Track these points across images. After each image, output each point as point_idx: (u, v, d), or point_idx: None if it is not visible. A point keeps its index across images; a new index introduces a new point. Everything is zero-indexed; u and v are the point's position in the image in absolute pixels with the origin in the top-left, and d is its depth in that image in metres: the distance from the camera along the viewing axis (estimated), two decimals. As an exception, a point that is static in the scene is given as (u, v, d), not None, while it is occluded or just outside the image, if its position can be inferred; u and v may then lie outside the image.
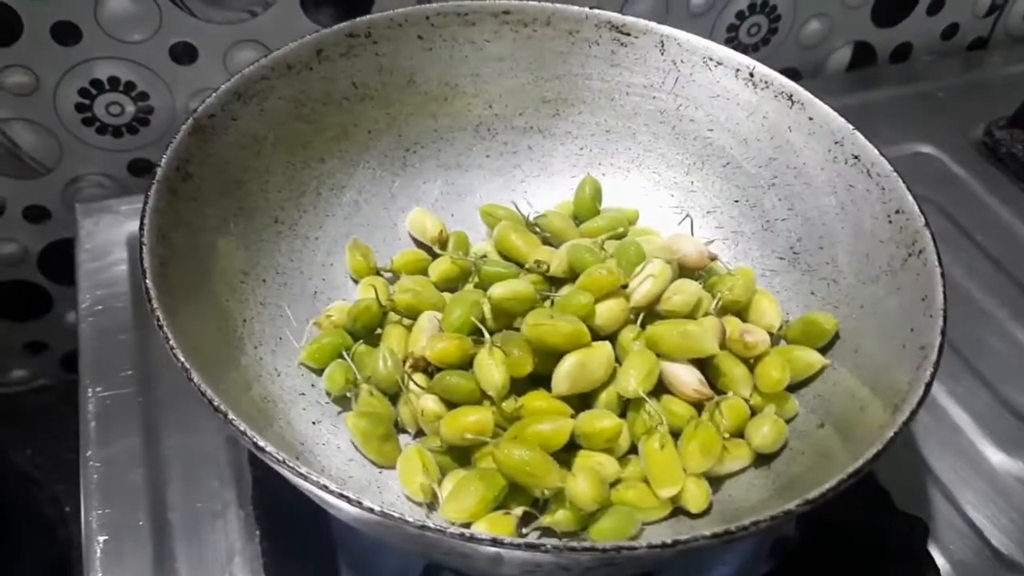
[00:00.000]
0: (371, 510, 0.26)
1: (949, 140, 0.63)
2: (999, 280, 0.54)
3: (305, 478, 0.26)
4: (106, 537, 0.39)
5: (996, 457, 0.45)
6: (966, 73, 0.71)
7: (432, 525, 0.26)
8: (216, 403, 0.28)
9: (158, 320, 0.30)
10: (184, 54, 0.54)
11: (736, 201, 0.45)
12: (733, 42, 0.64)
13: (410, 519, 0.26)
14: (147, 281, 0.31)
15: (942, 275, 0.35)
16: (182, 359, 0.29)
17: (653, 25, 0.45)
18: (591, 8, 0.46)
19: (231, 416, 0.28)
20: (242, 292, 0.39)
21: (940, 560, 0.41)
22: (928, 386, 0.31)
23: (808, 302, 0.41)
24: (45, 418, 0.68)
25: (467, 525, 0.34)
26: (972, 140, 0.63)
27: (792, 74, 0.68)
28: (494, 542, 0.25)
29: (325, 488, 0.26)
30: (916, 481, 0.44)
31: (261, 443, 0.27)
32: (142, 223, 0.33)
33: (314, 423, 0.37)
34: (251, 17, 0.53)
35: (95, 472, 0.41)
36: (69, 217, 0.57)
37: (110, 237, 0.52)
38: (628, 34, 0.46)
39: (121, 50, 0.53)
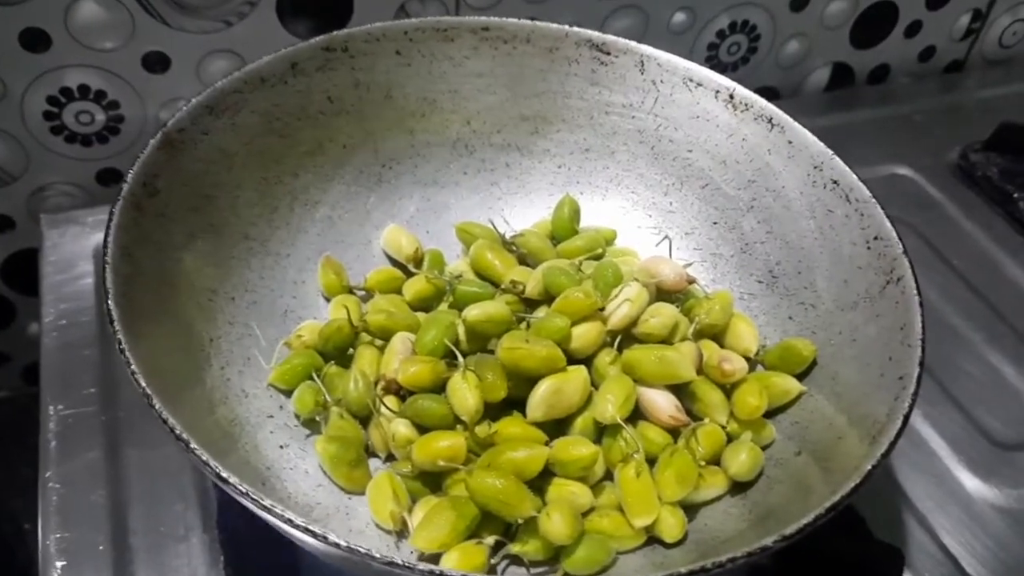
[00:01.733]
0: (336, 545, 0.25)
1: (925, 162, 0.63)
2: (974, 304, 0.54)
3: (269, 511, 0.25)
4: (64, 562, 0.38)
5: (971, 483, 0.45)
6: (942, 96, 0.71)
7: (400, 561, 0.25)
8: (178, 431, 0.27)
9: (120, 343, 0.29)
10: (156, 63, 0.53)
11: (715, 223, 0.45)
12: (713, 61, 0.64)
13: (376, 555, 0.25)
14: (109, 302, 0.30)
15: (920, 304, 0.35)
16: (143, 385, 0.28)
17: (633, 44, 0.45)
18: (571, 26, 0.45)
19: (193, 445, 0.27)
20: (210, 311, 0.38)
21: (915, 588, 0.40)
22: (906, 418, 0.31)
23: (786, 327, 0.41)
24: (4, 432, 0.66)
25: (438, 555, 0.33)
26: (948, 163, 0.63)
27: (771, 93, 0.68)
28: (464, 579, 0.25)
29: (290, 522, 0.25)
30: (891, 506, 0.44)
31: (224, 474, 0.26)
32: (106, 241, 0.32)
33: (282, 447, 0.36)
34: (226, 27, 0.52)
35: (54, 493, 0.40)
36: (34, 227, 0.56)
37: (76, 249, 0.51)
38: (608, 53, 0.45)
39: (92, 58, 0.51)
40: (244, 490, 0.26)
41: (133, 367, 0.29)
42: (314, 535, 0.25)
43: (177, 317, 0.36)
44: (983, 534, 0.43)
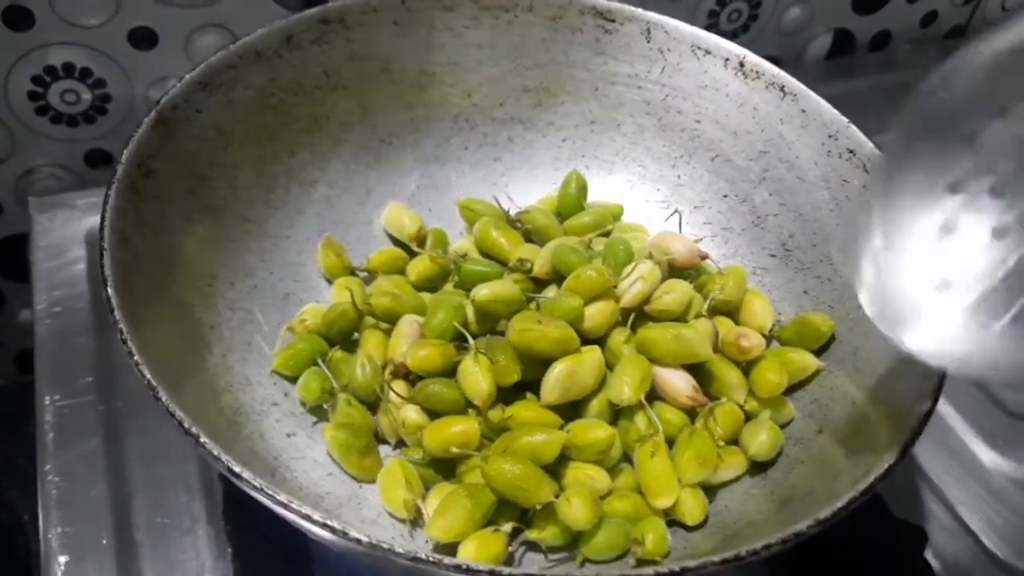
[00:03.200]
0: (357, 540, 0.24)
1: (931, 130, 0.62)
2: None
3: (286, 507, 0.24)
4: (67, 557, 0.37)
5: (988, 456, 0.45)
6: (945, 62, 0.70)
7: (424, 556, 0.24)
8: (187, 425, 0.26)
9: (121, 333, 0.28)
10: (143, 39, 0.51)
11: (725, 196, 0.44)
12: (714, 28, 0.63)
13: (400, 550, 0.24)
14: (109, 289, 0.29)
15: (946, 275, 0.34)
16: (148, 376, 0.27)
17: (639, 12, 0.43)
18: (573, -7, 0.44)
19: (203, 439, 0.26)
20: (210, 296, 0.37)
21: (935, 564, 0.40)
22: (937, 393, 0.30)
23: (801, 301, 0.40)
24: (-2, 420, 0.64)
25: (454, 544, 0.32)
26: (954, 130, 0.62)
27: (772, 62, 0.66)
28: (492, 574, 0.24)
29: (308, 517, 0.24)
30: (909, 483, 0.43)
31: (236, 469, 0.25)
32: (102, 225, 0.31)
33: (288, 435, 0.35)
34: (214, 0, 0.51)
35: (54, 487, 0.39)
36: (21, 211, 0.54)
37: (67, 233, 0.50)
38: (613, 21, 0.44)
39: (77, 35, 0.50)
40: (258, 485, 0.25)
41: (136, 357, 0.27)
42: (333, 531, 0.24)
43: (177, 304, 0.35)
44: (1003, 508, 0.42)
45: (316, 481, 0.34)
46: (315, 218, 0.42)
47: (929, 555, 0.40)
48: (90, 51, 0.50)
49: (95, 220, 0.50)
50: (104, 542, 0.37)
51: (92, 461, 0.40)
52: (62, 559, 0.37)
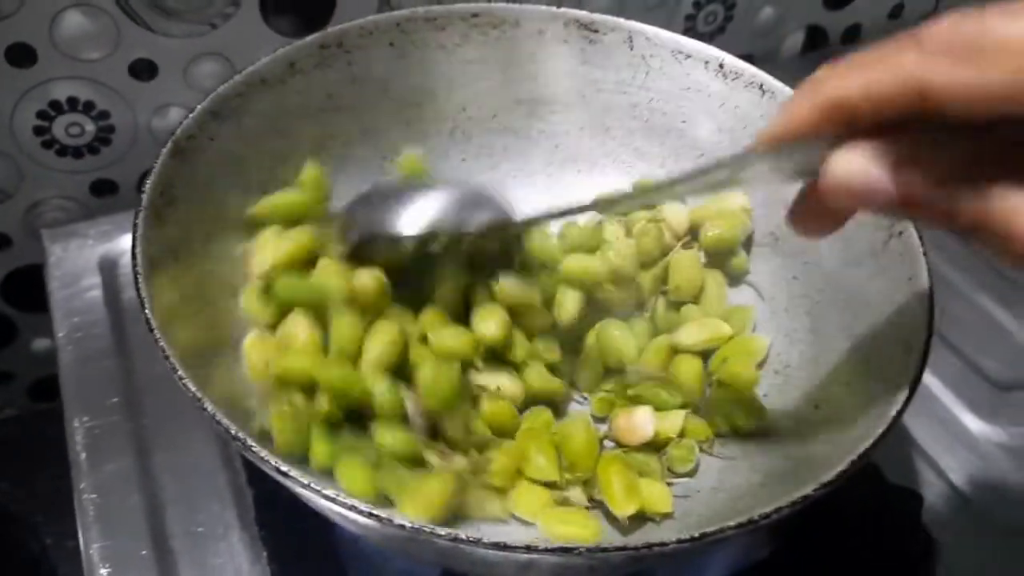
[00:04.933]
0: (402, 527, 0.26)
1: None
2: (964, 252, 0.56)
3: (333, 500, 0.26)
4: (109, 569, 0.38)
5: (974, 424, 0.47)
6: (913, 51, 0.73)
7: (464, 537, 0.26)
8: (255, 450, 0.28)
9: (165, 355, 0.30)
10: (144, 70, 0.53)
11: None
12: (691, 31, 0.65)
13: (441, 532, 0.26)
14: (147, 311, 0.31)
15: (925, 255, 0.36)
16: (200, 397, 0.29)
17: (622, 21, 0.46)
18: (558, 7, 0.46)
19: (273, 461, 0.27)
20: (235, 313, 0.38)
21: (931, 524, 0.42)
22: (923, 362, 0.32)
23: (791, 287, 0.42)
24: (16, 449, 0.66)
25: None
26: (925, 116, 0.65)
27: (748, 60, 0.69)
28: (528, 549, 0.26)
29: (354, 508, 0.26)
30: (902, 452, 0.45)
31: (284, 468, 0.27)
32: (134, 253, 0.33)
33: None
34: (211, 29, 0.53)
35: (91, 504, 0.40)
36: (31, 243, 0.56)
37: (80, 262, 0.51)
38: (597, 31, 0.46)
39: (79, 69, 0.51)
40: (306, 483, 0.27)
41: (194, 390, 0.29)
42: (379, 520, 0.26)
43: (204, 327, 0.36)
44: (990, 471, 0.45)
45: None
46: (325, 234, 0.44)
47: (924, 518, 0.42)
48: (93, 84, 0.52)
49: (106, 248, 0.53)
50: (143, 552, 0.39)
51: (125, 477, 0.42)
52: (104, 571, 0.39)
